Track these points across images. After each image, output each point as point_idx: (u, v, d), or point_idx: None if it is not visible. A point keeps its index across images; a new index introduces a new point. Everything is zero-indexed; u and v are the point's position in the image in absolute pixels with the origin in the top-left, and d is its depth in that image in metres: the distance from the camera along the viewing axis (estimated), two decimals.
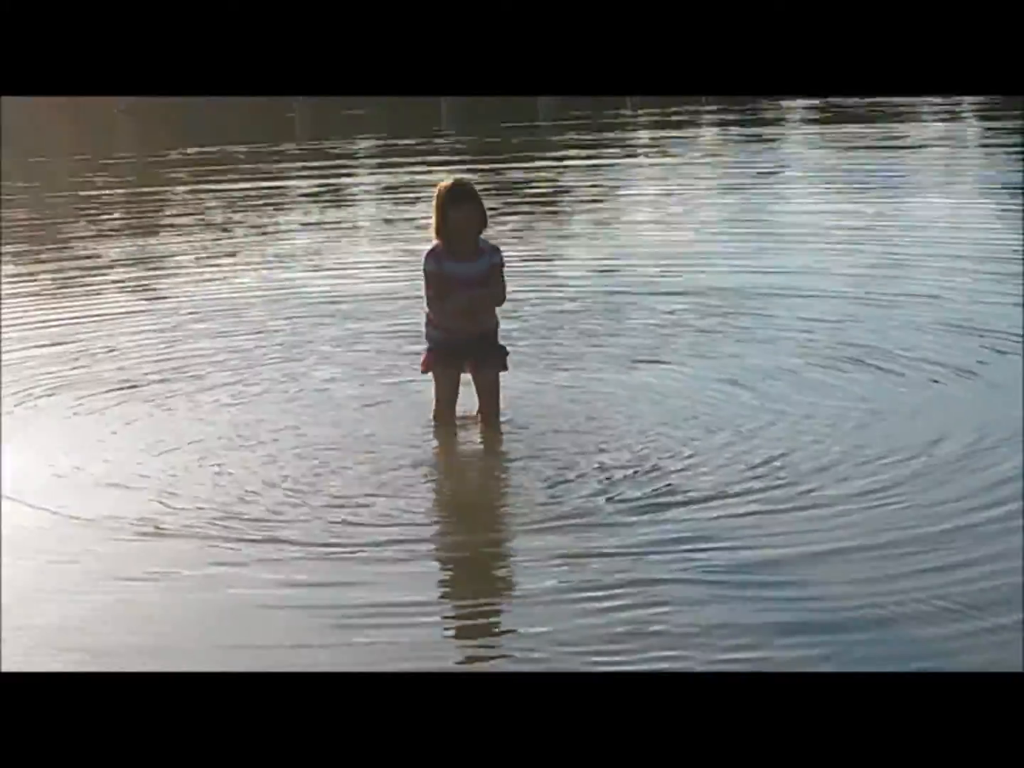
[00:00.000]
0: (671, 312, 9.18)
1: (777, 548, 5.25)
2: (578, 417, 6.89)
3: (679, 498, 5.75)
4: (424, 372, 6.87)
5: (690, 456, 6.23)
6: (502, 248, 6.88)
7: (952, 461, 6.08)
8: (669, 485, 5.89)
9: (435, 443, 6.70)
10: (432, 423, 6.82)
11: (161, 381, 7.93)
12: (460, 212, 6.47)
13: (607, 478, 6.00)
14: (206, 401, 7.49)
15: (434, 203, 6.55)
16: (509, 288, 6.86)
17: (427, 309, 6.78)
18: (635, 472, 6.05)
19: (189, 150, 21.10)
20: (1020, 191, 14.04)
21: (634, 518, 5.58)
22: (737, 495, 5.77)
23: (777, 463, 6.12)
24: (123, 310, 10.15)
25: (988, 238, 11.55)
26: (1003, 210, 13.48)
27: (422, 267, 6.65)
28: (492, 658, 4.60)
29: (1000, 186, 14.98)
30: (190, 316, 9.79)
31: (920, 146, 18.74)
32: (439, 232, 6.55)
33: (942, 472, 5.96)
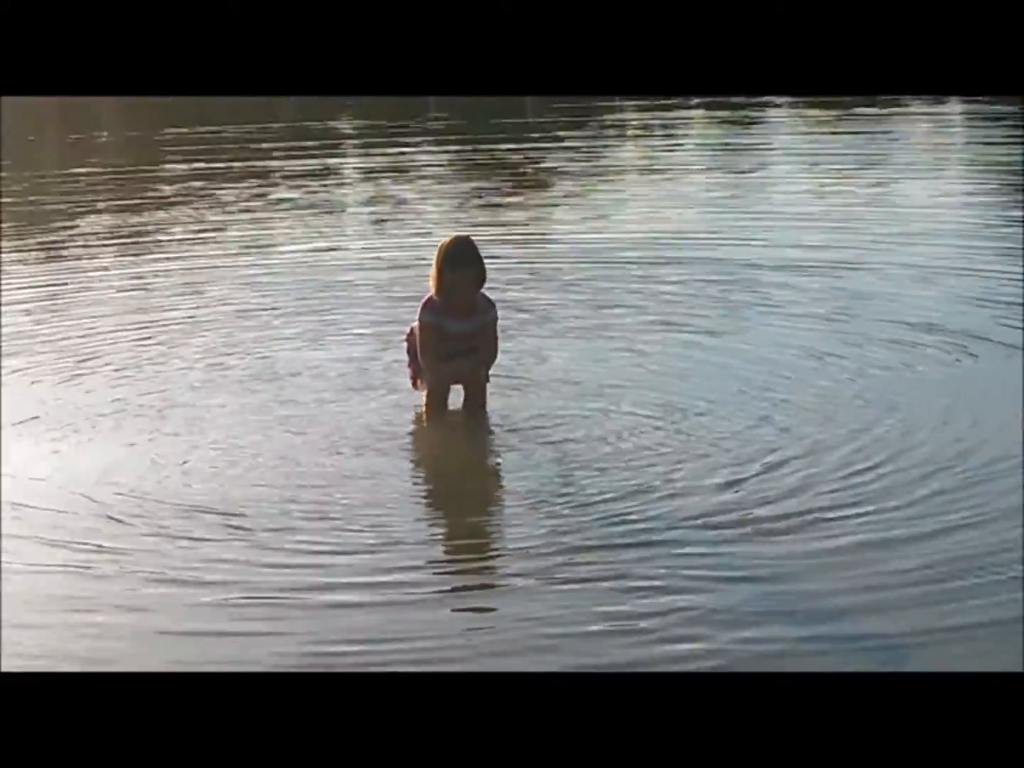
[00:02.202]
0: (698, 284, 9.10)
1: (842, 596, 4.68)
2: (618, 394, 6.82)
3: (748, 528, 5.18)
4: (416, 388, 6.88)
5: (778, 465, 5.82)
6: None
7: None
8: (739, 504, 5.39)
9: (422, 438, 6.60)
10: (422, 415, 6.76)
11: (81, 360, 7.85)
12: (458, 273, 6.53)
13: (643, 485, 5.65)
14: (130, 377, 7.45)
15: (434, 261, 6.60)
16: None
17: (410, 342, 6.83)
18: (687, 482, 5.67)
19: (177, 129, 21.01)
20: (1014, 170, 14.02)
21: (665, 550, 5.04)
22: (824, 521, 5.22)
23: (877, 473, 5.67)
24: (80, 285, 10.01)
25: (996, 214, 11.60)
26: (1001, 188, 13.45)
27: (418, 316, 6.68)
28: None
29: (993, 165, 14.97)
30: (148, 290, 9.73)
31: (910, 127, 18.74)
32: (437, 290, 6.60)
33: None
